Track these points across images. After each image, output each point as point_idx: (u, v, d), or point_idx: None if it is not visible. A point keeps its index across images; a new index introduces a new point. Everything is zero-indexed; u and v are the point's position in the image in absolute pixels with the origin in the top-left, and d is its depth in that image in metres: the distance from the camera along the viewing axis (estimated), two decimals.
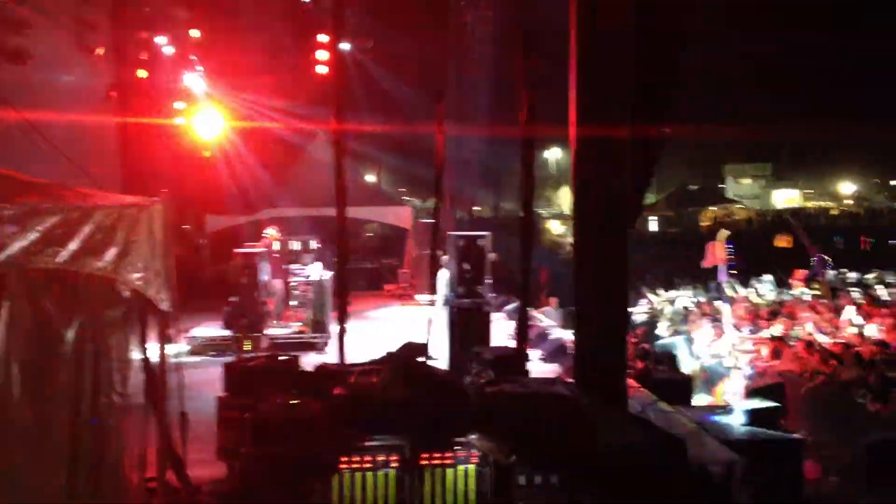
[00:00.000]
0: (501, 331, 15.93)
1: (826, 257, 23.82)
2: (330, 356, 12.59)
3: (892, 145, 65.35)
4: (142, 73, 18.78)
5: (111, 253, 5.41)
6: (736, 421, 10.45)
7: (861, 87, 63.24)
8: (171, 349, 5.92)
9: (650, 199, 54.12)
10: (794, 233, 24.10)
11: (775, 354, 16.60)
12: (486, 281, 12.67)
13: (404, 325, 16.31)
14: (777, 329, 17.97)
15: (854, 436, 13.13)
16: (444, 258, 16.54)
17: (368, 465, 6.03)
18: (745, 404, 10.78)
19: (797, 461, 9.84)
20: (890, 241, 38.77)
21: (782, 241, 25.01)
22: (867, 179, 78.25)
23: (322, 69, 18.31)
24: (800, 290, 22.81)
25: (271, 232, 16.49)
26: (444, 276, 15.77)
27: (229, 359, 10.19)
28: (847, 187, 75.68)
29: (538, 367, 13.75)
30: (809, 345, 16.12)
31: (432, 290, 10.52)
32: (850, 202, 69.98)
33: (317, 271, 15.94)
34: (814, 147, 70.93)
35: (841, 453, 13.73)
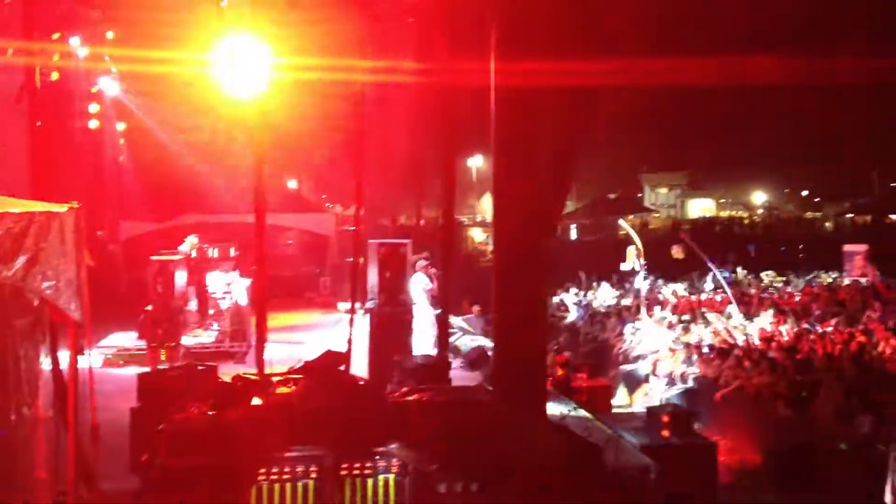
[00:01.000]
0: (423, 338, 15.95)
1: (714, 267, 24.50)
2: (249, 366, 12.42)
3: (800, 156, 67.58)
4: (54, 76, 18.27)
5: (20, 261, 5.24)
6: (651, 426, 10.66)
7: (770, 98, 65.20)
8: (82, 360, 5.76)
9: (570, 207, 54.86)
10: (688, 245, 24.81)
11: (690, 361, 16.96)
12: (407, 288, 12.68)
13: (325, 333, 16.20)
14: (692, 336, 18.36)
15: (766, 441, 13.51)
16: (420, 262, 16.53)
17: (287, 476, 5.96)
18: (660, 409, 11.00)
19: (711, 466, 10.07)
20: (781, 248, 40.16)
21: (678, 253, 25.79)
22: (778, 189, 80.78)
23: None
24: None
25: (189, 239, 16.21)
26: (418, 282, 15.74)
27: (144, 369, 9.97)
28: (759, 197, 77.94)
29: (460, 374, 13.80)
30: (724, 351, 16.50)
31: (354, 298, 10.48)
32: (762, 211, 72.07)
33: (236, 279, 15.71)
34: (728, 158, 72.92)
35: (753, 458, 14.11)
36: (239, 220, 19.52)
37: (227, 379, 8.03)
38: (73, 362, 5.68)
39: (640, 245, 21.99)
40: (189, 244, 16.02)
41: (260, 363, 9.68)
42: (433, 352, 14.93)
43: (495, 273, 8.60)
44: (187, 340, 14.87)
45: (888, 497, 10.21)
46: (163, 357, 13.87)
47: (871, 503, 11.16)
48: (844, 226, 54.09)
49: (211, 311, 15.69)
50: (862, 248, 19.93)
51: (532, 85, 8.04)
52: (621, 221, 31.76)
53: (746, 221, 61.74)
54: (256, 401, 6.49)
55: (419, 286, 16.02)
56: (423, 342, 15.97)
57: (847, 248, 21.30)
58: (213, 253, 17.48)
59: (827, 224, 57.89)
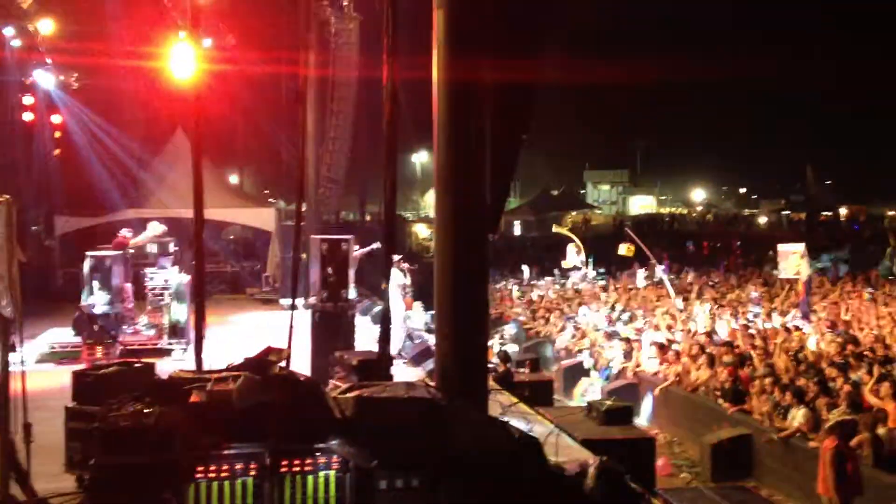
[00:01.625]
0: (366, 335, 15.89)
1: (655, 262, 24.92)
2: (188, 362, 12.27)
3: (738, 155, 68.88)
4: None
5: None
6: (592, 420, 10.76)
7: (712, 97, 66.38)
8: (14, 357, 5.63)
9: (513, 203, 55.17)
10: (634, 242, 25.22)
11: (630, 355, 17.19)
12: (350, 284, 12.60)
13: (266, 329, 16.05)
14: (631, 331, 18.60)
15: (704, 433, 13.76)
16: (396, 257, 16.45)
17: (226, 474, 5.88)
18: (601, 404, 11.12)
19: (649, 458, 10.22)
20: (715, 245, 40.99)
21: (625, 250, 26.26)
22: (717, 187, 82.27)
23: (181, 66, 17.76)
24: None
25: (126, 233, 15.89)
26: (393, 277, 15.63)
27: (80, 367, 9.77)
28: (698, 194, 79.26)
29: (403, 370, 13.77)
30: (663, 346, 16.75)
31: (295, 294, 10.38)
32: (701, 208, 73.28)
33: (174, 275, 15.47)
34: (668, 155, 74.09)
35: (691, 450, 14.37)
36: (178, 215, 19.21)
37: (165, 376, 7.92)
38: (5, 359, 5.54)
39: (579, 243, 22.25)
40: (125, 239, 15.62)
41: (198, 360, 9.56)
42: (400, 347, 14.94)
43: (437, 269, 8.60)
44: (124, 337, 14.61)
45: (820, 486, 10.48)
46: (99, 354, 13.61)
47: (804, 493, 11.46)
48: (780, 223, 55.26)
49: (149, 308, 15.42)
50: (799, 247, 20.31)
51: (474, 81, 8.05)
52: (557, 228, 32.21)
53: (687, 218, 62.69)
54: (194, 398, 6.39)
55: (394, 281, 16.00)
56: (395, 338, 15.98)
57: (781, 247, 21.72)
58: (152, 248, 17.19)
59: (762, 220, 59.06)
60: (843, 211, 59.45)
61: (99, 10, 20.65)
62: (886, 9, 59.33)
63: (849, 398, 11.89)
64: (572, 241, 27.64)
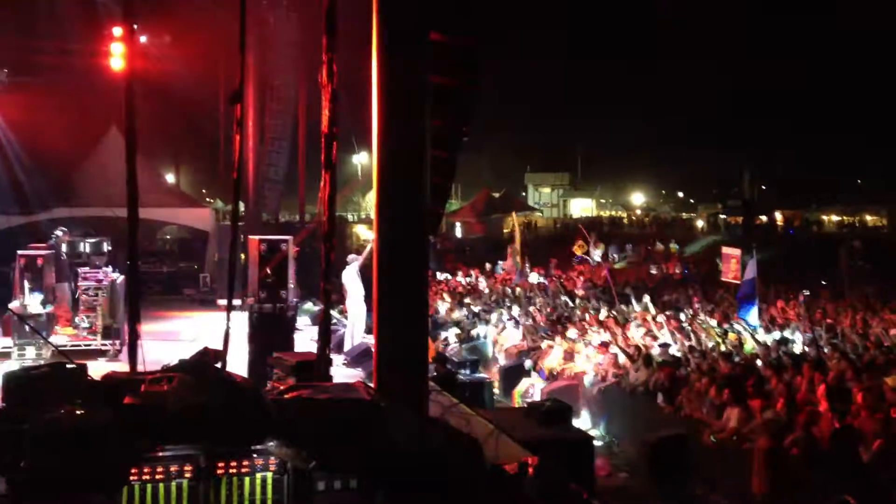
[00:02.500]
0: (305, 336, 15.79)
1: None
2: (121, 364, 12.07)
3: (676, 160, 69.99)
4: None
5: None
6: (531, 421, 10.81)
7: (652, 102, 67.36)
8: None
9: (454, 205, 55.27)
10: (587, 240, 25.49)
11: (569, 356, 17.31)
12: (289, 285, 12.51)
13: (203, 330, 15.85)
14: (572, 332, 18.72)
15: (642, 433, 13.90)
16: (352, 256, 16.29)
17: (160, 476, 5.78)
18: (540, 405, 11.17)
19: (588, 458, 10.30)
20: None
21: (579, 248, 26.47)
22: (655, 191, 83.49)
23: (116, 63, 17.44)
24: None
25: (58, 233, 15.56)
26: (351, 272, 15.49)
27: (9, 368, 9.52)
28: (637, 198, 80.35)
29: (342, 371, 13.71)
30: (603, 345, 16.90)
31: (232, 295, 10.24)
32: (640, 212, 74.30)
33: (108, 275, 15.18)
34: (608, 159, 75.04)
35: (629, 450, 14.51)
36: (114, 214, 18.86)
37: (98, 377, 7.75)
38: None
39: (518, 245, 22.39)
40: (58, 238, 15.23)
41: (132, 361, 9.39)
42: (362, 345, 14.86)
43: (377, 270, 8.56)
44: (56, 338, 14.29)
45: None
46: (29, 355, 13.30)
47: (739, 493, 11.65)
48: (717, 226, 56.22)
49: (82, 308, 15.10)
50: (737, 251, 20.72)
51: (414, 81, 8.02)
52: (508, 224, 32.33)
53: (626, 221, 63.47)
54: (128, 399, 6.27)
55: (352, 280, 15.92)
56: (355, 335, 15.91)
57: (725, 250, 22.11)
58: (86, 247, 16.86)
59: (699, 224, 60.07)
60: (778, 215, 60.78)
61: (32, 6, 20.20)
62: (823, 14, 61.04)
63: (783, 398, 12.13)
64: (513, 243, 27.75)
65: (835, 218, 62.59)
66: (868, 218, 61.00)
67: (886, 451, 10.07)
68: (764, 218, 58.73)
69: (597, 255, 24.77)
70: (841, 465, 10.48)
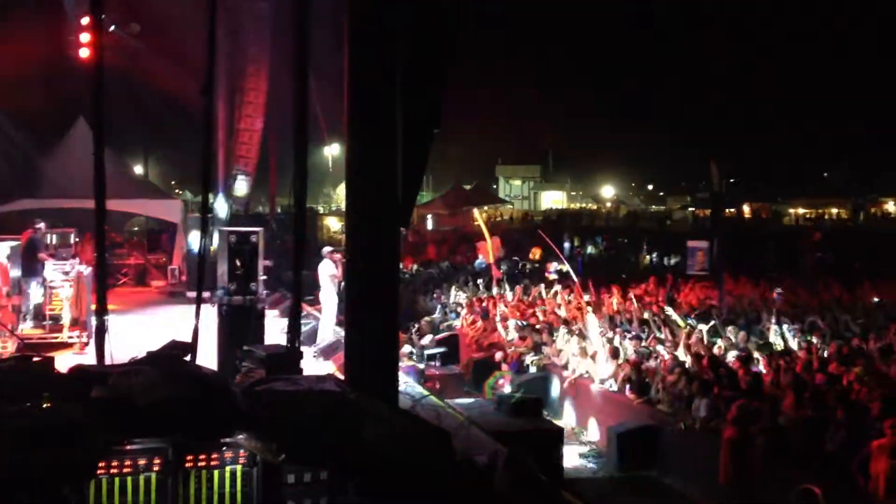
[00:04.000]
0: (276, 328, 15.72)
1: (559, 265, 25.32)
2: (89, 357, 11.96)
3: (646, 152, 70.40)
4: None
5: None
6: (502, 413, 10.87)
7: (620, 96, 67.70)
8: None
9: (426, 197, 55.25)
10: (547, 243, 25.57)
11: (540, 349, 17.37)
12: (259, 278, 12.45)
13: (172, 323, 15.73)
14: (542, 324, 18.77)
15: (612, 423, 14.03)
16: (326, 249, 16.20)
17: (128, 470, 5.73)
18: (510, 397, 11.24)
19: (558, 449, 10.37)
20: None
21: (535, 254, 26.68)
22: (626, 183, 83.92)
23: (84, 52, 17.25)
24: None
25: (38, 225, 15.38)
26: (325, 269, 15.40)
27: None
28: (608, 190, 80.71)
29: (313, 364, 13.67)
30: (581, 335, 16.95)
31: (201, 287, 10.17)
32: (610, 204, 74.65)
33: (76, 266, 15.02)
34: (579, 152, 75.32)
35: (598, 441, 14.62)
36: (81, 205, 18.66)
37: (65, 370, 7.68)
38: None
39: (489, 245, 22.40)
40: (30, 229, 14.94)
41: (100, 354, 9.31)
42: (333, 338, 14.81)
43: (348, 262, 8.55)
44: (22, 330, 14.13)
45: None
46: None
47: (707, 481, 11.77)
48: (686, 220, 56.62)
49: (49, 300, 14.93)
50: (704, 244, 20.94)
51: (385, 71, 8.00)
52: (477, 218, 32.23)
53: (598, 214, 63.69)
54: (95, 393, 6.21)
55: (325, 273, 15.85)
56: (326, 327, 15.85)
57: (691, 243, 22.32)
58: (52, 240, 16.67)
59: (669, 217, 60.46)
60: (746, 208, 61.32)
61: None
62: (797, 8, 61.58)
63: (750, 389, 12.25)
64: (484, 238, 27.75)
65: (801, 210, 63.30)
66: (833, 211, 61.77)
67: (851, 440, 10.21)
68: (732, 210, 59.22)
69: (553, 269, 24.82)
70: (806, 455, 10.63)
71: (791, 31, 64.03)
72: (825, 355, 14.14)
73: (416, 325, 19.30)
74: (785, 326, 16.22)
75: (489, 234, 25.01)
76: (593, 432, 14.94)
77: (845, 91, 60.62)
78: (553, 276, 23.84)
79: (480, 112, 59.41)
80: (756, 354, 14.57)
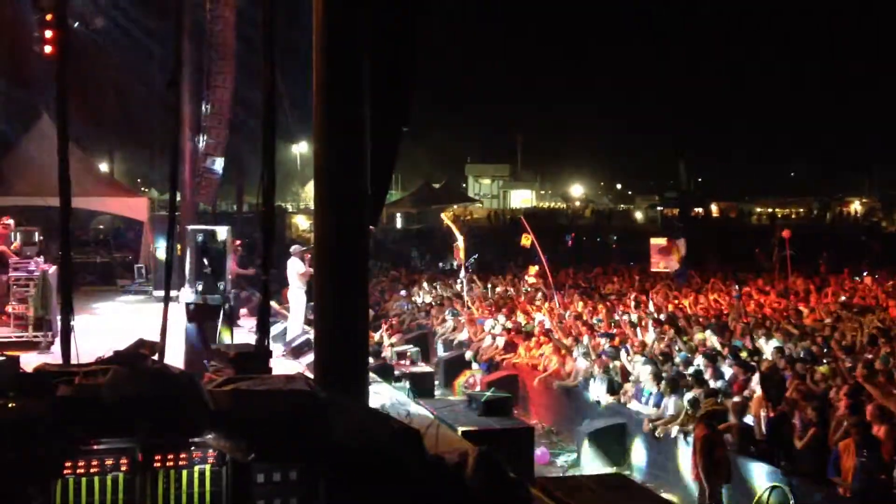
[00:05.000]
0: (245, 327, 15.61)
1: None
2: (54, 356, 11.79)
3: (615, 151, 70.84)
4: None
5: None
6: (472, 412, 10.85)
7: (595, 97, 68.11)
8: None
9: (395, 195, 55.18)
10: (531, 233, 25.59)
11: (511, 347, 17.40)
12: (227, 276, 12.33)
13: (138, 321, 15.56)
14: (511, 323, 18.81)
15: (580, 423, 14.07)
16: (296, 247, 16.05)
17: (95, 469, 5.64)
18: (481, 395, 11.22)
19: (528, 448, 10.37)
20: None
21: (525, 240, 26.59)
22: (594, 182, 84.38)
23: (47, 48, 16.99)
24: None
25: (8, 221, 15.12)
26: (293, 267, 15.25)
27: None
28: (577, 189, 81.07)
29: (283, 363, 13.57)
30: (547, 333, 17.01)
31: (168, 286, 10.06)
32: (579, 203, 74.98)
33: (40, 265, 14.80)
34: (548, 151, 75.63)
35: (568, 439, 14.66)
36: (44, 203, 18.39)
37: (30, 370, 7.56)
38: None
39: (461, 243, 22.37)
40: None
41: (65, 353, 9.18)
42: (303, 337, 14.69)
43: (317, 260, 8.50)
44: None
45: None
46: None
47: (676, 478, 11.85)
48: (655, 218, 57.02)
49: (12, 300, 14.69)
50: (662, 241, 21.09)
51: (354, 68, 7.96)
52: (445, 217, 32.15)
53: (570, 213, 63.91)
54: (61, 392, 6.12)
55: (294, 271, 15.73)
56: (294, 326, 15.73)
57: (654, 241, 22.44)
58: (16, 238, 16.40)
59: (638, 216, 60.85)
60: (713, 207, 61.88)
61: None
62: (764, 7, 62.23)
63: (720, 387, 12.34)
64: (455, 238, 27.71)
65: (769, 210, 64.00)
66: (801, 210, 62.52)
67: (819, 439, 10.31)
68: (700, 210, 59.75)
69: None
70: (774, 453, 10.72)
71: (758, 31, 64.74)
72: (793, 354, 14.24)
73: (387, 324, 19.25)
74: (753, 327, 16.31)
75: (459, 233, 24.98)
76: (563, 430, 14.99)
77: (809, 91, 61.42)
78: (532, 280, 23.77)
79: (450, 110, 59.51)
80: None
